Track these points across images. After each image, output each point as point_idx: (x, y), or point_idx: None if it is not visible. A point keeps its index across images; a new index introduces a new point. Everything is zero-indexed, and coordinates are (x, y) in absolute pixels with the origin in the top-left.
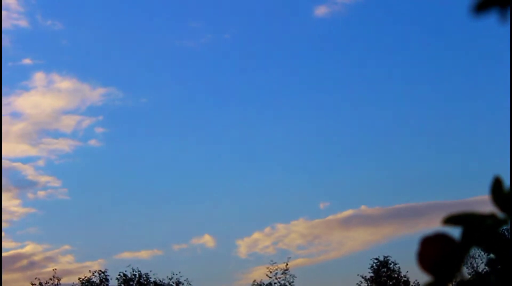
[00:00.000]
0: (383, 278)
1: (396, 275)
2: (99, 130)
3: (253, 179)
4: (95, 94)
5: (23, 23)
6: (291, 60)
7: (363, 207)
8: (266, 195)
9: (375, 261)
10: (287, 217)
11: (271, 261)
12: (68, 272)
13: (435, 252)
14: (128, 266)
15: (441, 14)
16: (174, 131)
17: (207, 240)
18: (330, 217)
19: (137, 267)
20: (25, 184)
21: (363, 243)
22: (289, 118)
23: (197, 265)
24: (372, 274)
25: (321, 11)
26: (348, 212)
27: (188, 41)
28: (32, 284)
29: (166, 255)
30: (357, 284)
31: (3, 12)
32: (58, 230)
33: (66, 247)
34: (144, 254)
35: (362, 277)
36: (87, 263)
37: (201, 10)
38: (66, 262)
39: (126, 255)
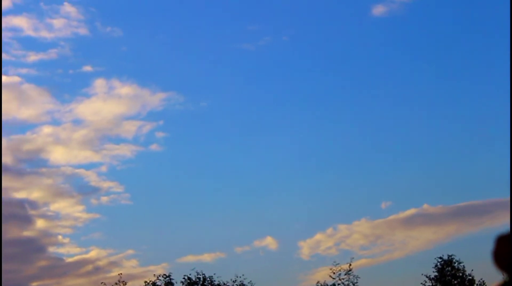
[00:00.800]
0: (447, 278)
1: (460, 274)
2: (160, 134)
3: (315, 180)
4: (155, 99)
5: (83, 31)
6: (349, 61)
7: (425, 206)
8: (327, 196)
9: (439, 260)
10: (349, 217)
11: (334, 262)
12: (132, 277)
13: (510, 251)
14: (192, 270)
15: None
16: (234, 134)
17: (270, 242)
18: (392, 216)
19: (201, 270)
20: (88, 190)
21: (426, 242)
22: (349, 119)
23: (259, 267)
24: (436, 274)
25: (378, 10)
26: (411, 211)
27: (247, 44)
28: None
29: (229, 258)
30: (421, 283)
31: (63, 21)
32: (122, 235)
33: (130, 251)
34: (207, 257)
35: (427, 277)
36: (151, 267)
37: (259, 12)
38: (130, 266)
39: (189, 258)
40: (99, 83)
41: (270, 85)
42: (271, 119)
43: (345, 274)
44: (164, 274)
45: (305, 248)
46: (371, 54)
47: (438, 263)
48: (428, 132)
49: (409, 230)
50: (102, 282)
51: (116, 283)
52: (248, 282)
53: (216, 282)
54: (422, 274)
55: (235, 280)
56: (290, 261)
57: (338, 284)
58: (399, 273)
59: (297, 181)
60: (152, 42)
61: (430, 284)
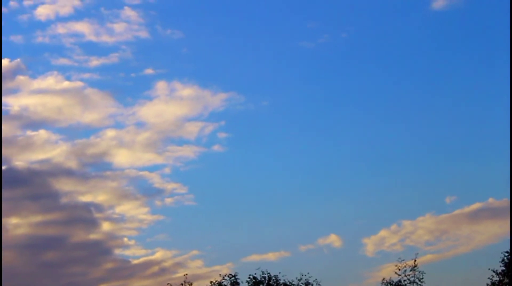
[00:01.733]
0: None
1: None
2: (222, 135)
3: (378, 177)
4: (217, 100)
5: (143, 34)
6: (408, 57)
7: (490, 199)
8: (391, 193)
9: (506, 254)
10: (413, 213)
11: (399, 258)
12: (197, 277)
13: None
14: (257, 269)
15: None
16: (296, 133)
17: (334, 239)
18: (457, 211)
19: (266, 269)
20: (152, 192)
21: (492, 237)
22: (412, 114)
23: (324, 265)
24: (503, 268)
25: (438, 4)
26: (476, 206)
27: (306, 42)
28: None
29: (293, 256)
30: (488, 278)
31: (124, 25)
32: (186, 235)
33: (195, 252)
34: (271, 256)
35: (493, 271)
36: (216, 267)
37: (318, 10)
38: (195, 267)
39: (254, 257)
40: (161, 86)
41: (330, 82)
42: (332, 117)
43: (411, 270)
44: (230, 274)
45: (370, 245)
46: (431, 49)
47: (505, 258)
48: (491, 125)
49: (474, 224)
50: (168, 283)
51: (182, 284)
52: (314, 281)
53: (281, 281)
54: (489, 269)
55: (300, 279)
56: (355, 258)
57: (404, 280)
58: (465, 268)
59: (360, 178)
60: (212, 43)
61: (498, 278)
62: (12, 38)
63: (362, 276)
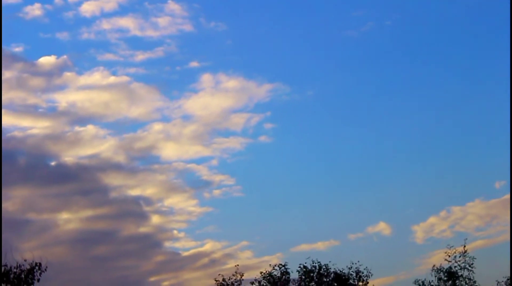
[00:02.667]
0: None
1: None
2: (268, 126)
3: (426, 164)
4: (262, 91)
5: (188, 27)
6: (455, 44)
7: None
8: (439, 179)
9: None
10: (463, 199)
11: (449, 245)
12: (247, 268)
13: None
14: (307, 258)
15: None
16: (342, 121)
17: (383, 227)
18: (507, 196)
19: (316, 258)
20: (200, 185)
21: None
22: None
23: (374, 253)
24: None
25: None
26: None
27: (351, 31)
28: (216, 280)
29: (342, 245)
30: None
31: (168, 18)
32: (235, 227)
33: (244, 243)
34: (321, 246)
35: None
36: (266, 258)
37: None
38: (245, 257)
39: (303, 247)
40: (206, 78)
41: (375, 71)
42: (378, 105)
43: (461, 257)
44: (280, 264)
45: (419, 232)
46: (478, 37)
47: None
48: None
49: None
50: (219, 274)
51: (233, 275)
52: (364, 269)
53: (332, 270)
54: None
55: (351, 267)
56: (405, 245)
57: (455, 266)
58: None
59: (408, 166)
60: (256, 34)
61: None
62: (58, 35)
63: (412, 264)
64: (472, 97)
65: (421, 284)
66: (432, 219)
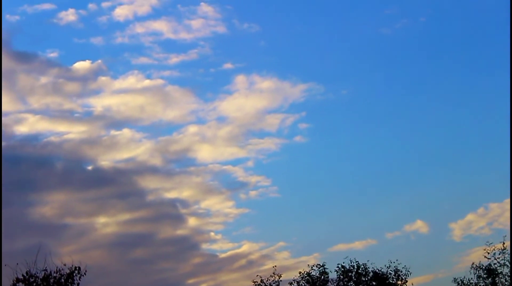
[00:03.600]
0: None
1: None
2: (303, 126)
3: (462, 160)
4: (296, 91)
5: (221, 29)
6: (489, 39)
7: None
8: (476, 175)
9: None
10: (500, 195)
11: (487, 242)
12: (285, 268)
13: None
14: (345, 258)
15: None
16: (377, 120)
17: (420, 225)
18: None
19: (354, 258)
20: (236, 186)
21: None
22: (492, 96)
23: (412, 251)
24: None
25: None
26: None
27: (384, 28)
28: (254, 281)
29: (380, 244)
30: None
31: (201, 21)
32: (272, 227)
33: (281, 243)
34: (358, 245)
35: None
36: (303, 258)
37: None
38: (282, 258)
39: (340, 247)
40: (240, 79)
41: (409, 68)
42: (413, 103)
43: (500, 254)
44: (318, 264)
45: (457, 229)
46: None
47: None
48: None
49: None
50: (257, 275)
51: (271, 276)
52: (403, 267)
53: (370, 269)
54: None
55: (389, 266)
56: (442, 243)
57: (494, 264)
58: None
59: (444, 162)
60: (290, 35)
61: None
62: (92, 40)
63: (451, 262)
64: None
65: (460, 282)
66: (469, 216)
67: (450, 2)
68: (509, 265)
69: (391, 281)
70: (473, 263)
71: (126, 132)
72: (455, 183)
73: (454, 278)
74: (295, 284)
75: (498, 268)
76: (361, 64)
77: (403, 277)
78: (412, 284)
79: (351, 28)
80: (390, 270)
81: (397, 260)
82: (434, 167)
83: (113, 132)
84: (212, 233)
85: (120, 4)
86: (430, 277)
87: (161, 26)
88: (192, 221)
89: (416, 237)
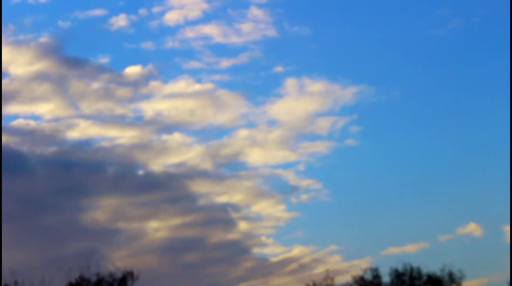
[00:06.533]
0: None
1: None
2: (354, 128)
3: None
4: (347, 93)
5: (271, 32)
6: None
7: None
8: None
9: None
10: None
11: None
12: (337, 272)
13: None
14: (399, 261)
15: None
16: (429, 122)
17: (473, 228)
18: None
19: (408, 261)
20: (287, 190)
21: None
22: None
23: (465, 255)
24: None
25: None
26: None
27: (436, 29)
28: (306, 285)
29: (432, 247)
30: None
31: (251, 24)
32: (323, 231)
33: (333, 247)
34: (410, 248)
35: None
36: (355, 262)
37: None
38: (334, 262)
39: (393, 250)
40: (290, 82)
41: (461, 70)
42: (465, 103)
43: None
44: (371, 268)
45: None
46: None
47: None
48: None
49: None
50: (310, 279)
51: (324, 279)
52: (457, 270)
53: (424, 273)
54: None
55: (443, 269)
56: (497, 246)
57: None
58: None
59: (496, 163)
60: (340, 37)
61: None
62: (143, 45)
63: (505, 265)
64: None
65: None
66: None
67: (503, 2)
68: None
69: (445, 284)
70: None
71: (177, 136)
72: (507, 184)
73: (510, 281)
74: None
75: None
76: (412, 65)
77: (458, 280)
78: None
79: (402, 29)
80: (444, 274)
81: (451, 263)
82: (488, 168)
83: (164, 137)
84: (263, 237)
85: (171, 8)
86: (485, 280)
87: (211, 30)
88: (243, 225)
89: (470, 240)
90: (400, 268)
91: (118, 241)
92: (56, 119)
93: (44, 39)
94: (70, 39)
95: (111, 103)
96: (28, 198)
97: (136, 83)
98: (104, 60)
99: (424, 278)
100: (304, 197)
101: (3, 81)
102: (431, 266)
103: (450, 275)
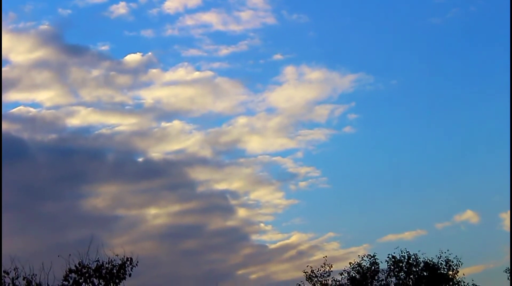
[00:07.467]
0: None
1: None
2: (352, 116)
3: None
4: (346, 81)
5: (270, 20)
6: None
7: None
8: None
9: None
10: None
11: None
12: (334, 259)
13: None
14: (396, 248)
15: None
16: (427, 110)
17: (470, 216)
18: None
19: (405, 248)
20: (286, 177)
21: None
22: None
23: (462, 242)
24: None
25: None
26: None
27: (434, 18)
28: (305, 272)
29: (430, 235)
30: None
31: (250, 12)
32: (321, 218)
33: (331, 234)
34: (407, 236)
35: None
36: (352, 249)
37: None
38: (331, 249)
39: (390, 237)
40: (289, 70)
41: (459, 58)
42: (462, 92)
43: None
44: (369, 255)
45: (508, 219)
46: None
47: None
48: None
49: None
50: (307, 265)
51: (322, 266)
52: (454, 258)
53: (421, 260)
54: None
55: (440, 257)
56: (493, 234)
57: None
58: None
59: (494, 151)
60: (339, 25)
61: None
62: (143, 33)
63: (502, 252)
64: None
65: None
66: None
67: None
68: None
69: (442, 271)
70: None
71: (176, 124)
72: (505, 172)
73: (506, 269)
74: (346, 274)
75: None
76: (410, 54)
77: (454, 268)
78: (464, 274)
79: (401, 17)
80: (441, 261)
81: (448, 250)
82: (484, 156)
83: (163, 124)
84: (262, 224)
85: None
86: (481, 267)
87: (210, 18)
88: (242, 212)
89: (467, 228)
90: (398, 255)
91: (118, 228)
92: (56, 107)
93: (44, 26)
94: (70, 27)
95: (111, 91)
96: (28, 185)
97: (136, 71)
98: (104, 47)
99: (421, 265)
100: (302, 184)
101: (3, 69)
102: (428, 253)
103: (447, 262)
